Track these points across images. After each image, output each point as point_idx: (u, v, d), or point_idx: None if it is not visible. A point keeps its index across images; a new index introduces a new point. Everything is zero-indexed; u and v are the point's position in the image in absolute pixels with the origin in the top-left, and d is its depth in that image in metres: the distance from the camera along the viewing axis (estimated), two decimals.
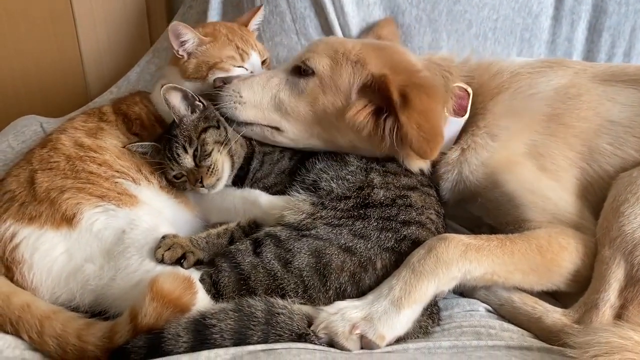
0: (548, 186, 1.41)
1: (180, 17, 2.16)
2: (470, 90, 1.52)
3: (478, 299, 1.36)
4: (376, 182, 1.38)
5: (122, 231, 1.31)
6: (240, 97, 1.51)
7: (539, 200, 1.40)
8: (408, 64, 1.50)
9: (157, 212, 1.42)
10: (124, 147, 1.49)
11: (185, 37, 1.59)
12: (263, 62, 1.71)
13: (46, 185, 1.37)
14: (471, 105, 1.50)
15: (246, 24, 1.76)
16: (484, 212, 1.51)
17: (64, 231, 1.31)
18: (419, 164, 1.48)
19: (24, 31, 2.22)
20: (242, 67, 1.64)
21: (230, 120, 1.53)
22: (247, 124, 1.53)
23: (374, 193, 1.35)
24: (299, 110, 1.51)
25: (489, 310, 1.34)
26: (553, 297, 1.37)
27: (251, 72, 1.64)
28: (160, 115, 1.61)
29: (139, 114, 1.60)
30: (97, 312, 1.27)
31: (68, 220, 1.32)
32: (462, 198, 1.53)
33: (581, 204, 1.41)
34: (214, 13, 2.06)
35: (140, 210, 1.38)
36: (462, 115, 1.50)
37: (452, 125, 1.49)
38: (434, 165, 1.52)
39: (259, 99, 1.52)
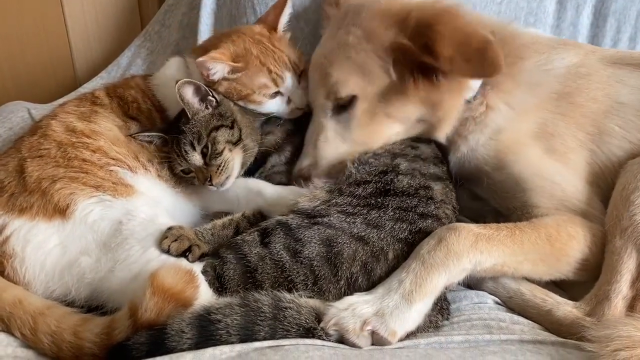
0: (556, 170, 1.39)
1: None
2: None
3: (486, 291, 1.33)
4: (402, 168, 1.33)
5: (119, 222, 1.26)
6: (334, 166, 1.44)
7: (547, 184, 1.37)
8: (408, 6, 1.40)
9: (155, 202, 1.37)
10: (129, 135, 1.44)
11: (214, 69, 1.45)
12: (300, 75, 1.56)
13: (37, 174, 1.31)
14: None
15: (275, 27, 1.58)
16: (491, 195, 1.47)
17: (57, 223, 1.25)
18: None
19: (9, 14, 2.14)
20: (278, 92, 1.51)
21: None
22: None
23: (398, 180, 1.30)
24: (369, 130, 1.43)
25: (497, 303, 1.31)
26: (558, 285, 1.35)
27: (288, 99, 1.54)
28: (158, 101, 1.54)
29: (135, 96, 1.54)
30: (93, 306, 1.22)
31: (61, 211, 1.26)
32: (466, 177, 1.49)
33: (590, 190, 1.39)
34: None
35: (138, 200, 1.32)
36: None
37: None
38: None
39: (341, 152, 1.44)
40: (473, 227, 1.25)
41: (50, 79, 2.23)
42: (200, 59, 1.41)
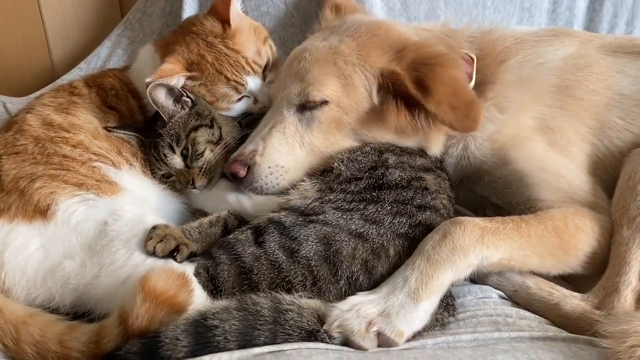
0: (560, 163, 1.35)
1: None
2: (474, 56, 1.43)
3: (490, 285, 1.29)
4: (391, 162, 1.30)
5: (104, 223, 1.20)
6: (282, 167, 1.35)
7: (551, 178, 1.34)
8: (407, 40, 1.39)
9: (142, 200, 1.31)
10: (105, 128, 1.38)
11: (169, 82, 1.36)
12: (265, 67, 1.49)
13: (14, 173, 1.25)
14: (477, 73, 1.42)
15: (227, 19, 1.43)
16: (492, 191, 1.43)
17: (37, 224, 1.19)
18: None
19: None
20: (242, 97, 1.46)
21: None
22: None
23: (389, 173, 1.26)
24: (331, 140, 1.37)
25: (502, 297, 1.27)
26: (563, 278, 1.31)
27: (254, 99, 1.49)
28: (136, 89, 1.49)
29: (113, 84, 1.49)
30: (79, 313, 1.16)
31: (42, 212, 1.20)
32: (465, 176, 1.45)
33: (594, 182, 1.36)
34: None
35: (123, 198, 1.26)
36: (470, 79, 1.41)
37: None
38: None
39: (294, 157, 1.35)
40: (478, 221, 1.21)
41: (25, 71, 2.15)
42: (148, 79, 1.33)
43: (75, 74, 1.97)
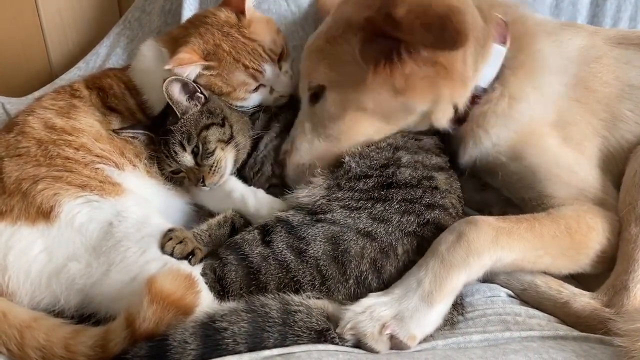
0: (573, 159, 1.34)
1: None
2: (506, 19, 1.37)
3: (498, 284, 1.28)
4: (404, 161, 1.28)
5: (109, 224, 1.18)
6: (302, 164, 1.38)
7: (564, 174, 1.32)
8: None
9: (146, 201, 1.29)
10: (113, 131, 1.37)
11: (185, 72, 1.36)
12: (280, 57, 1.48)
13: (16, 174, 1.23)
14: (513, 40, 1.36)
15: (242, 9, 1.44)
16: (504, 185, 1.41)
17: (40, 227, 1.17)
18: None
19: None
20: (259, 85, 1.45)
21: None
22: None
23: (400, 172, 1.25)
24: (343, 125, 1.35)
25: (510, 296, 1.26)
26: (571, 276, 1.29)
27: (271, 88, 1.48)
28: (135, 86, 1.48)
29: (110, 84, 1.48)
30: (84, 316, 1.14)
31: (45, 214, 1.18)
32: (480, 169, 1.42)
33: (604, 178, 1.35)
34: None
35: (127, 200, 1.24)
36: (504, 44, 1.35)
37: (496, 55, 1.33)
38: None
39: (315, 151, 1.38)
40: (492, 221, 1.18)
41: (23, 71, 2.11)
42: (168, 66, 1.32)
43: (74, 74, 1.94)
